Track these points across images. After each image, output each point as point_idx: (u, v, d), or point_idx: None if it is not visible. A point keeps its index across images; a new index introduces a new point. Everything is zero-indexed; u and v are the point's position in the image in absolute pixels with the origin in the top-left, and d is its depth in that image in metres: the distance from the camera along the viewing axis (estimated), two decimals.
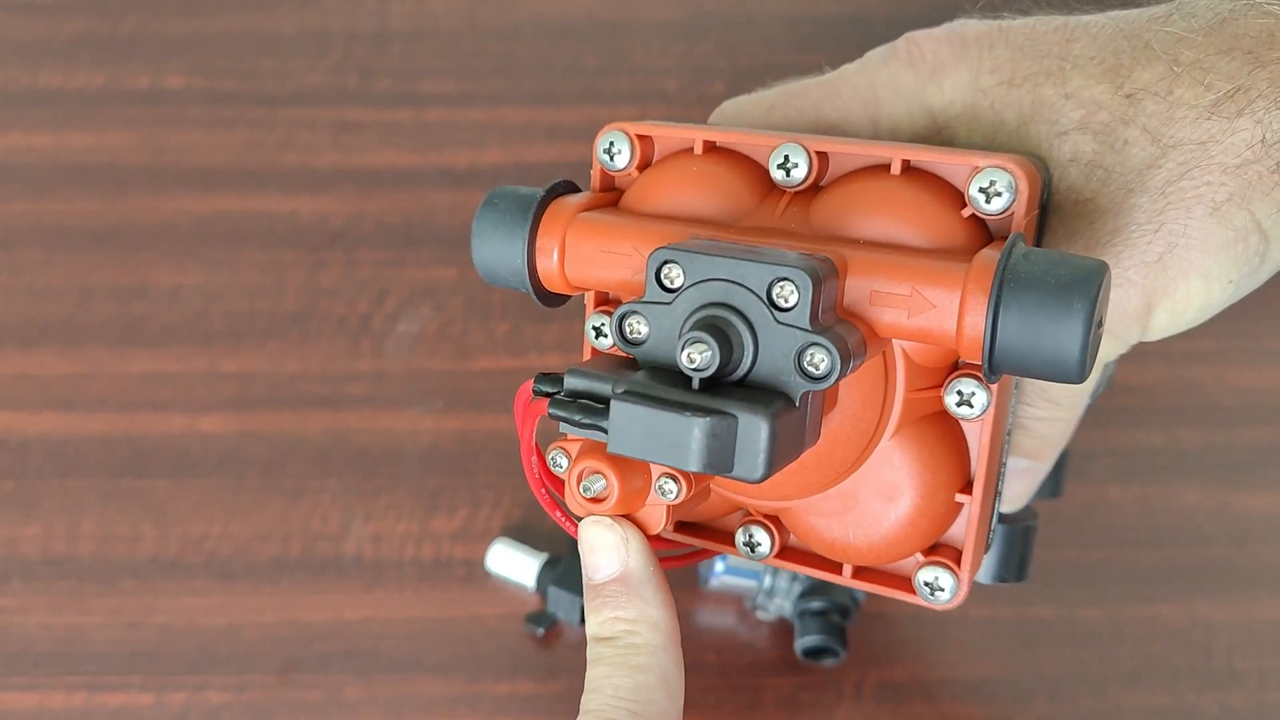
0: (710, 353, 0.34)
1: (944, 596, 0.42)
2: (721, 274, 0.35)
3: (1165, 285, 0.37)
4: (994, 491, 0.43)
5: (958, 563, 0.42)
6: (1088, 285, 0.32)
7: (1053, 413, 0.42)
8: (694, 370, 0.34)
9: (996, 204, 0.37)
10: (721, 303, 0.35)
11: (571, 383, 0.37)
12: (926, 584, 0.42)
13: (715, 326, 0.35)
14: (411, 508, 0.66)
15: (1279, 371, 0.70)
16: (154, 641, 0.62)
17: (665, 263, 0.36)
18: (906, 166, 0.39)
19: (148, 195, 0.74)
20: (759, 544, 0.44)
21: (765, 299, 0.35)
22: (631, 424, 0.34)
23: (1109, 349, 0.40)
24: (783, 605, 0.61)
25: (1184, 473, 0.68)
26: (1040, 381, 0.40)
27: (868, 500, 0.41)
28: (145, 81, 0.78)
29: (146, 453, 0.67)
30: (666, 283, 0.36)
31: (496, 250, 0.42)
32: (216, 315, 0.71)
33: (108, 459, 0.67)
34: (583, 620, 0.62)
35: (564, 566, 0.62)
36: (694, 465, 0.33)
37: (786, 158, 0.40)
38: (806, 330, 0.34)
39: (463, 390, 0.69)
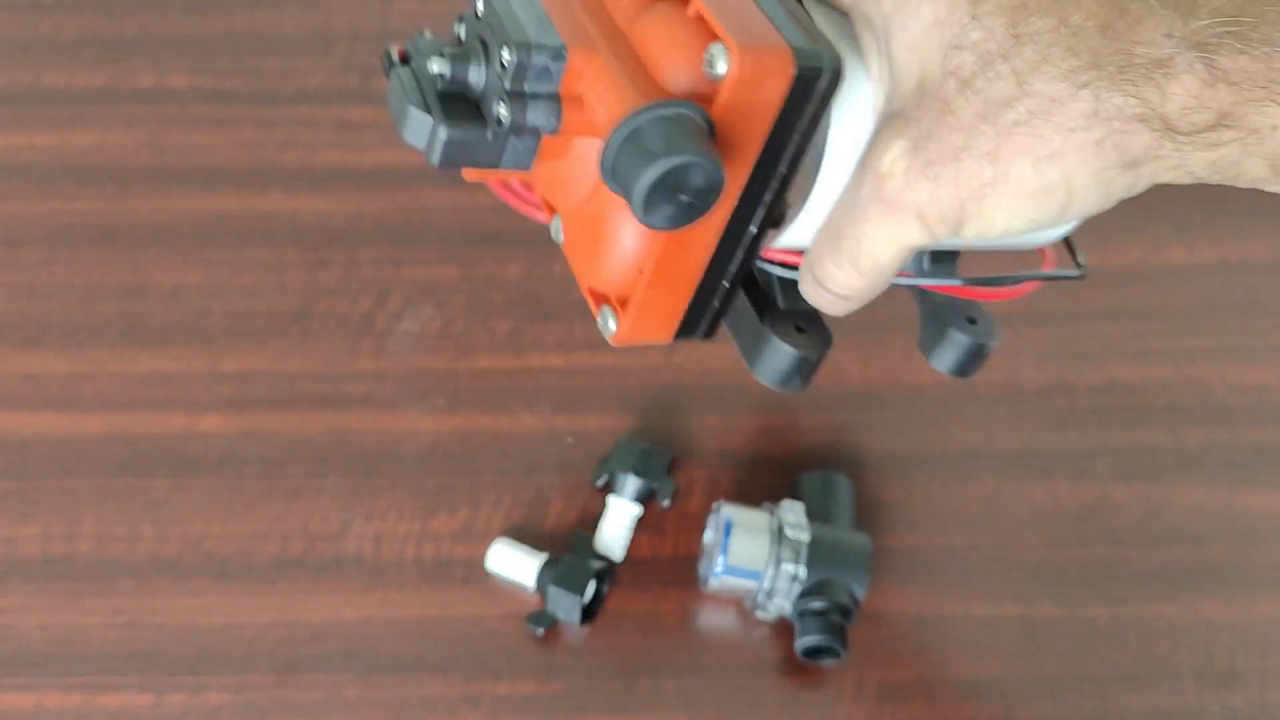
0: (444, 69, 0.42)
1: (609, 328, 0.47)
2: (499, 18, 0.42)
3: (979, 209, 0.41)
4: (677, 274, 0.46)
5: (625, 310, 0.47)
6: (649, 166, 0.38)
7: (847, 281, 0.45)
8: (437, 75, 0.42)
9: (713, 72, 0.41)
10: (482, 40, 0.43)
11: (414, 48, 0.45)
12: (603, 321, 0.47)
13: (464, 56, 0.43)
14: (412, 507, 0.66)
15: None
16: (152, 642, 0.62)
17: None
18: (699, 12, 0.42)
19: (149, 194, 0.74)
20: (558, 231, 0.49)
21: (501, 55, 0.41)
22: (393, 91, 0.43)
23: (921, 239, 0.43)
24: (783, 605, 0.60)
25: (1187, 472, 0.68)
26: (853, 240, 0.43)
27: (592, 236, 0.46)
28: (148, 81, 0.78)
29: (146, 452, 0.67)
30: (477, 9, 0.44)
31: None
32: (217, 314, 0.71)
33: (107, 458, 0.67)
34: (583, 620, 0.62)
35: (564, 566, 0.62)
36: (406, 136, 0.42)
37: None
38: (506, 91, 0.41)
39: (464, 389, 0.69)
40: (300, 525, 0.65)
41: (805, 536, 0.60)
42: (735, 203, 0.44)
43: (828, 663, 0.61)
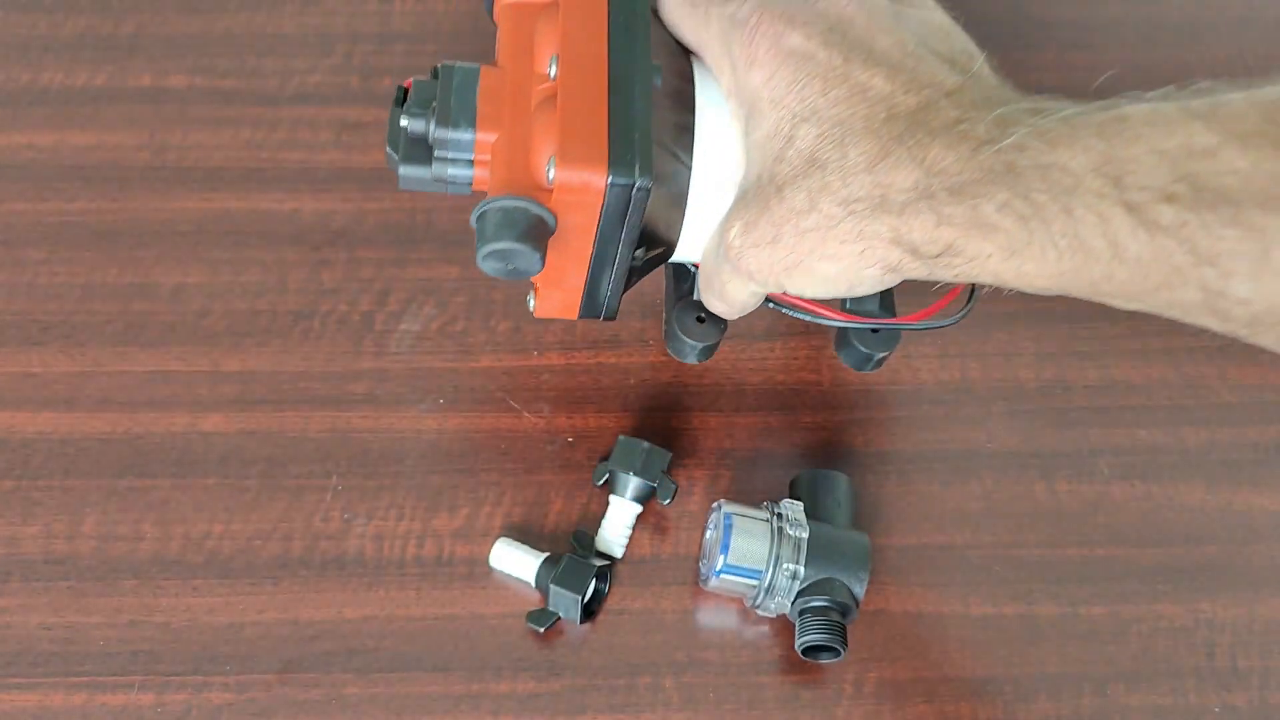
0: (408, 123, 0.56)
1: (531, 304, 0.61)
2: (440, 93, 0.56)
3: (788, 281, 0.54)
4: (563, 283, 0.59)
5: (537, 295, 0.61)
6: (483, 246, 0.52)
7: (721, 306, 0.59)
8: (403, 126, 0.56)
9: (549, 175, 0.53)
10: (433, 104, 0.56)
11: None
12: (530, 298, 0.61)
13: (423, 115, 0.56)
14: (413, 506, 0.66)
15: None
16: (155, 641, 0.62)
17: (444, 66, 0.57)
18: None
19: (150, 194, 0.74)
20: None
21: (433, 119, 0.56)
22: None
23: (761, 290, 0.56)
24: (783, 604, 0.61)
25: (1187, 471, 0.68)
26: (719, 283, 0.57)
27: None
28: (147, 80, 0.78)
29: (148, 452, 0.67)
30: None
31: None
32: (218, 314, 0.71)
33: (109, 458, 0.67)
34: (583, 618, 0.62)
35: (564, 565, 0.62)
36: (388, 164, 0.57)
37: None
38: (434, 153, 0.56)
39: (465, 388, 0.69)
40: (302, 524, 0.65)
41: (804, 535, 0.60)
42: (590, 257, 0.57)
43: (827, 661, 0.61)
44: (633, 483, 0.64)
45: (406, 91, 0.57)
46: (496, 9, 0.61)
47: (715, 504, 0.63)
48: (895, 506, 0.67)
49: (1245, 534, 0.67)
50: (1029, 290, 0.50)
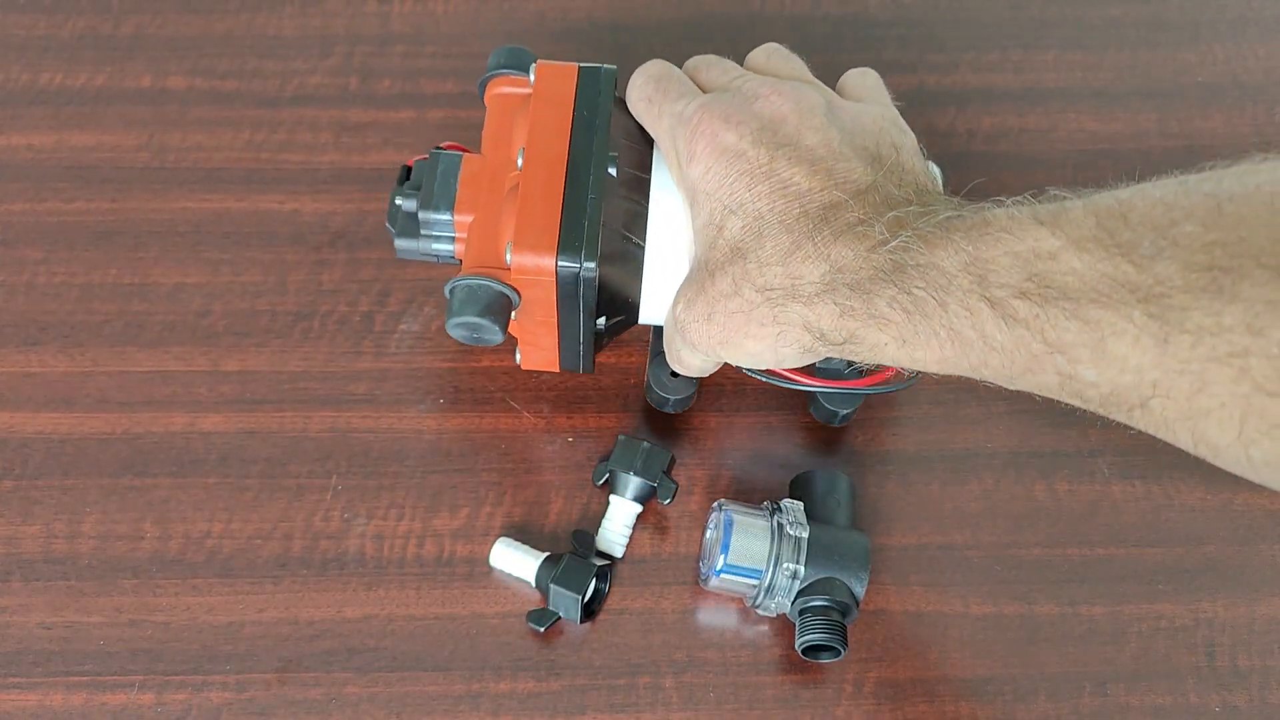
0: (401, 202, 0.62)
1: (518, 358, 0.66)
2: (424, 178, 0.63)
3: (721, 353, 0.59)
4: (539, 343, 0.65)
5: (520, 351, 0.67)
6: (450, 318, 0.59)
7: (680, 368, 0.64)
8: (398, 205, 0.63)
9: (507, 259, 0.59)
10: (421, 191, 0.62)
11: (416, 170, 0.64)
12: (517, 353, 0.67)
13: (414, 197, 0.62)
14: (413, 506, 0.66)
15: None
16: (155, 640, 0.62)
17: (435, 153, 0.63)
18: None
19: (149, 195, 0.74)
20: None
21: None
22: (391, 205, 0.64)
23: (703, 365, 0.62)
24: (783, 603, 0.61)
25: (1187, 471, 0.68)
26: (675, 349, 0.62)
27: None
28: (147, 81, 0.78)
29: (148, 451, 0.67)
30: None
31: None
32: (218, 314, 0.71)
33: (108, 458, 0.67)
34: (583, 618, 0.62)
35: (565, 564, 0.62)
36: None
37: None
38: (420, 230, 0.62)
39: (465, 388, 0.69)
40: (302, 524, 0.65)
41: (804, 534, 0.60)
42: (556, 323, 0.62)
43: (827, 660, 0.61)
44: (633, 482, 0.64)
45: (410, 170, 0.64)
46: (485, 97, 0.66)
47: (715, 504, 0.63)
48: (895, 506, 0.67)
49: (1245, 534, 0.67)
50: (926, 371, 0.54)
